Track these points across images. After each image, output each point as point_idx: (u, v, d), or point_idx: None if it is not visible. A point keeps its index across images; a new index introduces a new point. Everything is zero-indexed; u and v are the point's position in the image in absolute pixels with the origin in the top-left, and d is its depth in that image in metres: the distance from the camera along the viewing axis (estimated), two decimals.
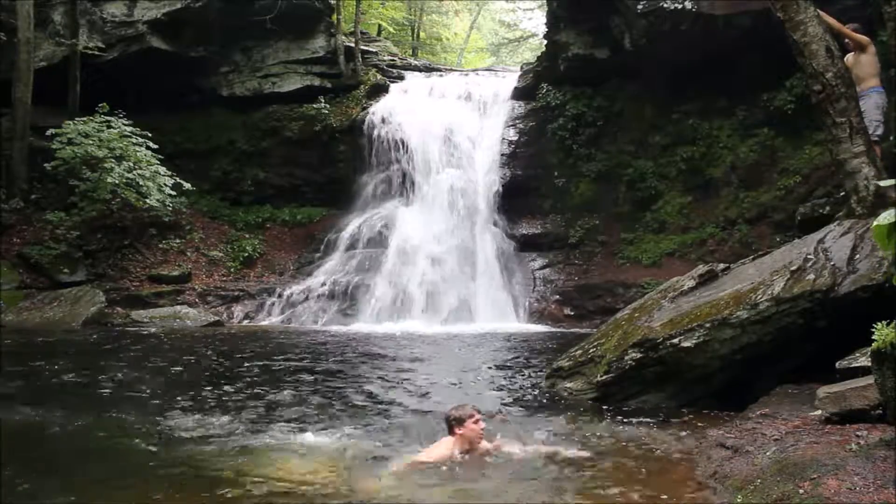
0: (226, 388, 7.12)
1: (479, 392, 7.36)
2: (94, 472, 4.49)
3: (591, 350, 6.99)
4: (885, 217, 3.25)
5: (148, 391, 6.96)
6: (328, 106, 18.56)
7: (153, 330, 12.57)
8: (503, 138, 17.87)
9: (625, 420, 5.93)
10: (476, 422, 4.79)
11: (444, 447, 4.72)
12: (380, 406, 6.50)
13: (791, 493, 3.43)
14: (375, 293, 14.98)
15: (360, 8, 21.16)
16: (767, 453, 4.13)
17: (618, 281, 15.07)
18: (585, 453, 4.75)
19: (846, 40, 7.95)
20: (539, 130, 17.75)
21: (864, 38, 8.14)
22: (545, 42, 19.40)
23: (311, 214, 18.52)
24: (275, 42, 18.97)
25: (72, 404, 6.23)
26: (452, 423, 4.79)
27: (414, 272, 15.34)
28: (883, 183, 3.82)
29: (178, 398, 6.55)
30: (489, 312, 15.14)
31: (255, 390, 7.01)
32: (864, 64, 8.07)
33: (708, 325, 6.00)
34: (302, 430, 5.40)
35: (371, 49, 21.48)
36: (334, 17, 19.62)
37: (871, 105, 7.80)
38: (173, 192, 15.81)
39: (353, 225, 17.03)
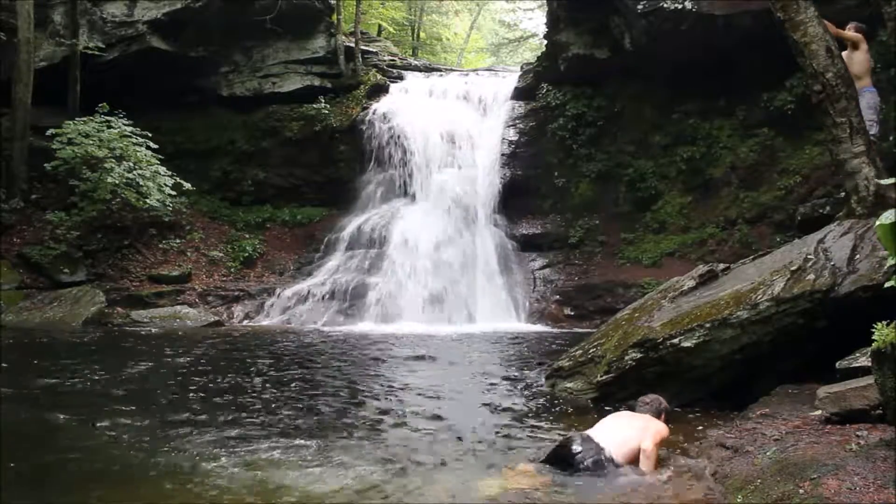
0: (221, 394, 6.96)
1: (479, 392, 7.36)
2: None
3: (591, 350, 6.99)
4: (887, 216, 3.26)
5: (139, 395, 6.84)
6: (328, 106, 18.56)
7: (153, 330, 12.57)
8: (503, 138, 17.87)
9: None
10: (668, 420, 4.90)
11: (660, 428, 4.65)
12: (386, 413, 6.46)
13: (791, 493, 3.43)
14: (375, 293, 14.96)
15: (360, 8, 21.14)
16: (767, 453, 4.13)
17: (618, 281, 15.07)
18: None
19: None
20: (539, 130, 17.75)
21: (856, 36, 8.10)
22: (545, 42, 19.39)
23: (311, 214, 18.51)
24: (275, 42, 18.96)
25: (66, 406, 6.18)
26: (663, 411, 4.87)
27: (414, 272, 15.33)
28: (883, 182, 3.83)
29: (170, 404, 6.44)
30: (489, 312, 15.13)
31: (273, 404, 6.74)
32: (857, 62, 8.03)
33: (708, 325, 6.00)
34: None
35: (371, 49, 21.48)
36: (334, 17, 19.62)
37: (864, 105, 7.78)
38: (173, 192, 15.79)
39: (354, 225, 17.02)
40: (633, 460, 4.40)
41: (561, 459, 4.37)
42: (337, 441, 5.19)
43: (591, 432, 4.55)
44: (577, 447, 4.36)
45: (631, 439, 4.45)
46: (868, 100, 7.97)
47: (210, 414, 5.99)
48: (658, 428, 4.60)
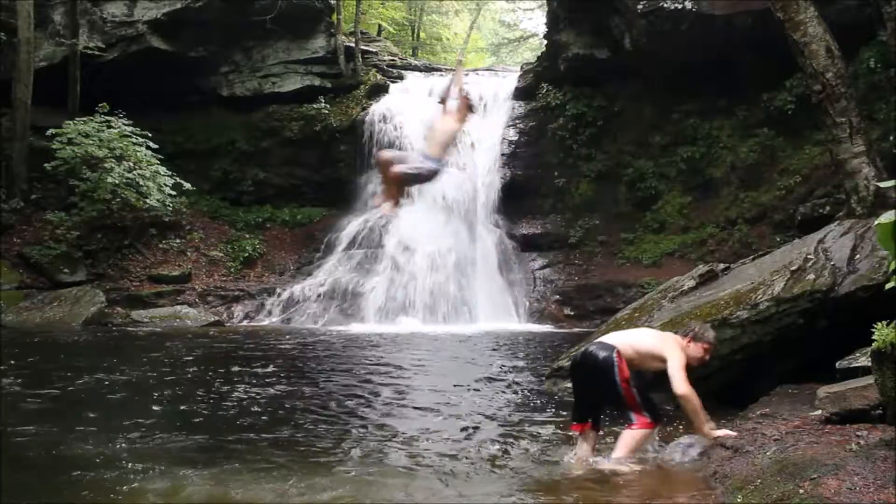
0: (203, 402, 6.58)
1: (480, 392, 7.36)
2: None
3: None
4: (887, 217, 3.26)
5: (118, 401, 6.60)
6: (328, 106, 18.56)
7: (153, 330, 12.57)
8: (503, 138, 17.87)
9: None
10: (707, 351, 4.76)
11: (679, 353, 4.64)
12: (382, 415, 6.43)
13: (791, 493, 3.43)
14: (375, 293, 14.97)
15: (360, 8, 21.14)
16: (767, 453, 4.13)
17: (618, 281, 15.07)
18: None
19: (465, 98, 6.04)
20: (539, 130, 17.75)
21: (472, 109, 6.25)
22: (545, 42, 19.41)
23: (311, 214, 18.51)
24: (275, 42, 18.95)
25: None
26: (689, 332, 4.78)
27: (414, 272, 15.33)
28: (883, 184, 3.84)
29: (147, 413, 6.06)
30: (489, 312, 15.14)
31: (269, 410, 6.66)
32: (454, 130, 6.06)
33: (708, 325, 5.99)
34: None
35: (371, 49, 21.47)
36: (334, 16, 19.61)
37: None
38: (173, 192, 15.80)
39: (353, 225, 17.02)
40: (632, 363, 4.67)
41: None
42: (323, 455, 4.84)
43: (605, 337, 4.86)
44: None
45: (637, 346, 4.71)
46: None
47: (181, 426, 5.65)
48: (674, 363, 4.59)
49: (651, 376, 4.92)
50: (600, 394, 4.71)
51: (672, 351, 4.63)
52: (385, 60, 21.64)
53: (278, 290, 15.51)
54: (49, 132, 14.78)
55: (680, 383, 4.53)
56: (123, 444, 4.96)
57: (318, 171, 18.83)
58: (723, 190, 15.74)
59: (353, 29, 20.54)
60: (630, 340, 4.77)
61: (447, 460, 4.80)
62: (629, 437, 4.54)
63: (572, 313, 15.10)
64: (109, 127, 15.14)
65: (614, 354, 4.60)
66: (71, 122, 15.00)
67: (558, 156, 17.45)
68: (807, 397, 5.21)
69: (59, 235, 14.76)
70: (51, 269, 14.39)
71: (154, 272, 15.57)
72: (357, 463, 4.70)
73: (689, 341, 4.75)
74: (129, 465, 4.44)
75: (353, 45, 19.68)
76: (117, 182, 14.68)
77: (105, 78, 16.59)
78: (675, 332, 4.95)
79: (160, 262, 16.01)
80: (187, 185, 16.08)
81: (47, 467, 4.48)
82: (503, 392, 7.34)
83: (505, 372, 8.67)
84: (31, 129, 15.57)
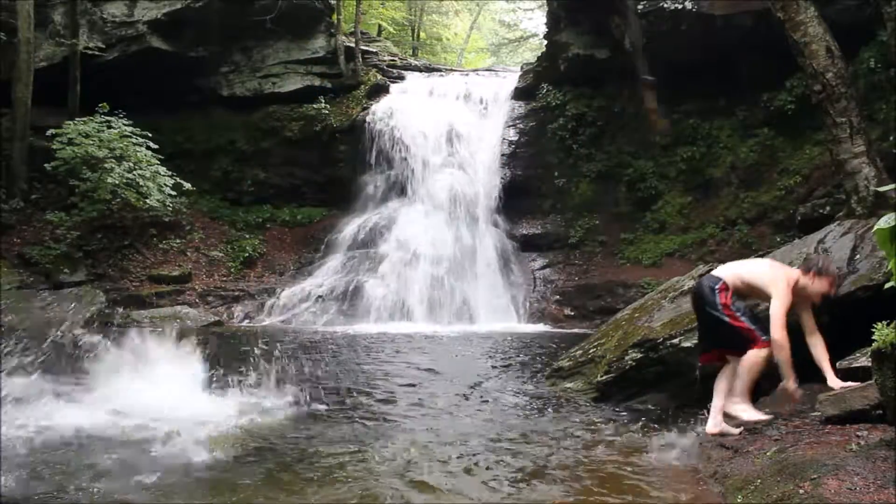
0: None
1: (481, 392, 7.36)
2: None
3: (592, 350, 7.00)
4: (886, 220, 3.26)
5: None
6: (328, 106, 18.56)
7: (154, 330, 12.53)
8: (503, 138, 17.88)
9: (625, 420, 5.95)
10: (832, 284, 4.53)
11: (786, 296, 4.48)
12: (381, 415, 6.43)
13: (791, 493, 3.43)
14: (375, 293, 14.96)
15: (360, 8, 21.15)
16: (767, 453, 4.13)
17: (618, 281, 15.07)
18: None
19: None
20: (539, 130, 17.75)
21: None
22: (545, 42, 19.41)
23: (311, 214, 18.51)
24: (275, 42, 18.96)
25: None
26: (813, 266, 4.55)
27: (414, 272, 15.33)
28: (882, 189, 3.84)
29: None
30: (489, 313, 15.13)
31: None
32: None
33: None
34: None
35: (371, 49, 21.48)
36: (334, 17, 19.62)
37: None
38: (173, 192, 15.78)
39: (353, 225, 17.02)
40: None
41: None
42: (323, 459, 4.78)
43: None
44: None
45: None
46: None
47: None
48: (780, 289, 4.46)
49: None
50: (709, 326, 4.66)
51: (779, 291, 4.49)
52: (385, 60, 21.65)
53: (278, 291, 15.50)
54: (49, 132, 14.76)
55: (777, 328, 4.43)
56: (116, 452, 4.92)
57: (318, 171, 18.82)
58: (723, 190, 15.74)
59: (353, 29, 20.54)
60: (740, 272, 4.70)
61: (446, 463, 4.80)
62: (751, 361, 4.43)
63: (572, 313, 15.10)
64: (109, 127, 15.13)
65: (718, 285, 4.59)
66: (71, 123, 14.98)
67: (558, 156, 17.46)
68: (807, 397, 5.22)
69: (59, 235, 14.75)
70: (51, 269, 14.39)
71: (154, 272, 15.57)
72: (358, 467, 4.68)
73: (813, 276, 4.54)
74: (120, 472, 4.41)
75: (353, 45, 19.69)
76: (117, 182, 14.67)
77: (105, 78, 16.57)
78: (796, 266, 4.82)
79: (160, 262, 16.01)
80: (187, 185, 16.05)
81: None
82: (504, 393, 7.34)
83: (504, 372, 8.67)
84: (31, 129, 15.55)
